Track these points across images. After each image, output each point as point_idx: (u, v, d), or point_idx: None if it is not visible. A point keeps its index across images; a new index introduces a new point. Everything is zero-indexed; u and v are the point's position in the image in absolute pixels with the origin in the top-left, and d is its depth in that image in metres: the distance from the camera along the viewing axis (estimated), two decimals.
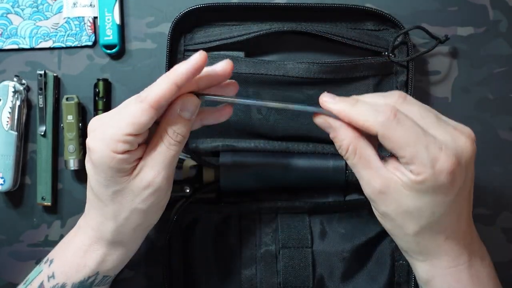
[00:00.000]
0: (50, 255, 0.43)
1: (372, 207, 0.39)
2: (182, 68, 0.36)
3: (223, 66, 0.39)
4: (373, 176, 0.36)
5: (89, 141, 0.38)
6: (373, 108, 0.35)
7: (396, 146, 0.34)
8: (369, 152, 0.37)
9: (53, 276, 0.41)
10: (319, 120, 0.38)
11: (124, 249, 0.42)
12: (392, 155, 0.36)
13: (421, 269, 0.39)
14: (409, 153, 0.34)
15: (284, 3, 0.50)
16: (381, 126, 0.34)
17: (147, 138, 0.39)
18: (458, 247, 0.37)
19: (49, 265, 0.42)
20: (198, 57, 0.37)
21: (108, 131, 0.37)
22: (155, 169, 0.38)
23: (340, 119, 0.37)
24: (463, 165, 0.34)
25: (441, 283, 0.38)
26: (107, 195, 0.39)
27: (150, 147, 0.38)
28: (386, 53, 0.49)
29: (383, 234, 0.50)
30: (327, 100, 0.37)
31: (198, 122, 0.42)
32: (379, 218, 0.39)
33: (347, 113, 0.36)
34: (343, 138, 0.37)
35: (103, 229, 0.40)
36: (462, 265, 0.38)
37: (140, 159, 0.38)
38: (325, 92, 0.38)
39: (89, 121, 0.40)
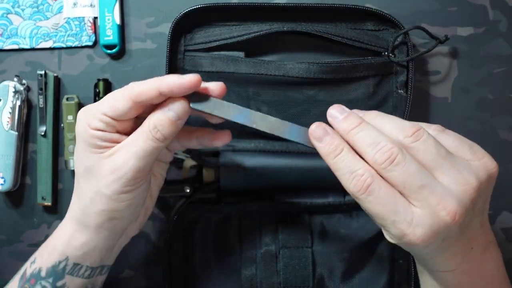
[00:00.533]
0: (34, 254, 0.43)
1: None
2: (170, 80, 0.37)
3: (217, 85, 0.39)
4: None
5: (79, 113, 0.39)
6: (350, 170, 0.34)
7: (371, 214, 0.34)
8: None
9: (34, 261, 0.42)
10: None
11: (89, 234, 0.40)
12: None
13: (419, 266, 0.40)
14: (379, 223, 0.34)
15: (284, 3, 0.50)
16: (352, 195, 0.34)
17: (129, 131, 0.39)
18: (457, 255, 0.37)
19: (33, 262, 0.42)
20: (191, 78, 0.37)
21: (91, 107, 0.39)
22: (125, 156, 0.37)
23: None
24: (441, 235, 0.33)
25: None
26: (80, 171, 0.39)
27: (131, 136, 0.38)
28: (386, 53, 0.49)
29: (383, 234, 0.50)
30: (318, 134, 0.36)
31: (194, 140, 0.43)
32: None
33: (329, 163, 0.36)
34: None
35: (73, 207, 0.41)
36: (460, 269, 0.37)
37: (117, 144, 0.39)
38: (331, 111, 0.37)
39: None
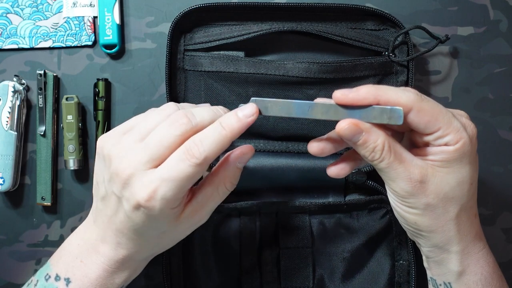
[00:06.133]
0: (61, 273, 0.41)
1: (407, 207, 0.38)
2: (236, 126, 0.36)
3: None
4: (411, 168, 0.36)
5: (143, 202, 0.36)
6: (399, 89, 0.36)
7: (431, 117, 0.35)
8: (399, 147, 0.37)
9: None
10: (346, 128, 0.35)
11: (145, 264, 0.44)
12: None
13: (455, 262, 0.39)
14: (444, 121, 0.36)
15: (284, 3, 0.50)
16: (414, 101, 0.35)
17: None
18: (479, 226, 0.40)
19: (67, 284, 0.40)
20: (250, 111, 0.37)
21: (162, 190, 0.35)
22: (204, 212, 0.40)
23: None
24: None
25: (475, 268, 0.39)
26: (151, 236, 0.39)
27: (202, 194, 0.39)
28: (386, 53, 0.49)
29: (383, 234, 0.50)
30: (345, 92, 0.36)
31: None
32: (417, 217, 0.38)
33: (379, 92, 0.36)
34: (377, 138, 0.36)
35: (137, 256, 0.41)
36: (486, 248, 0.40)
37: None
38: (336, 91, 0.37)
39: (97, 139, 0.39)
